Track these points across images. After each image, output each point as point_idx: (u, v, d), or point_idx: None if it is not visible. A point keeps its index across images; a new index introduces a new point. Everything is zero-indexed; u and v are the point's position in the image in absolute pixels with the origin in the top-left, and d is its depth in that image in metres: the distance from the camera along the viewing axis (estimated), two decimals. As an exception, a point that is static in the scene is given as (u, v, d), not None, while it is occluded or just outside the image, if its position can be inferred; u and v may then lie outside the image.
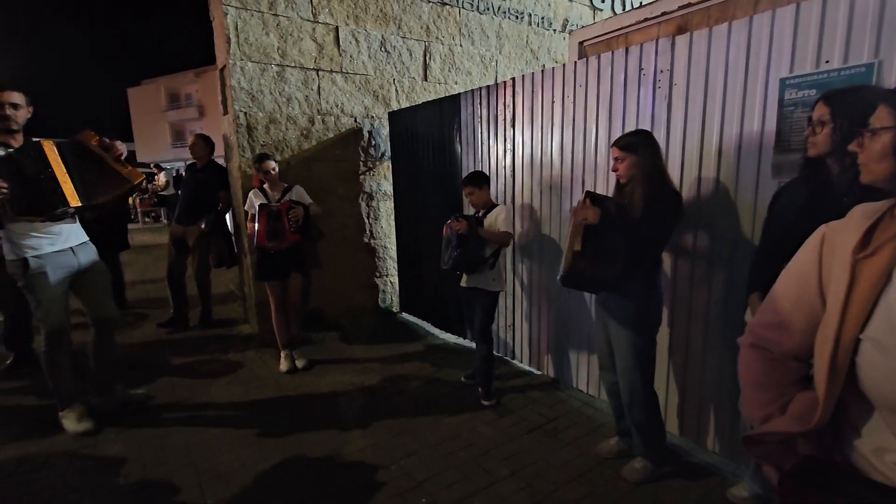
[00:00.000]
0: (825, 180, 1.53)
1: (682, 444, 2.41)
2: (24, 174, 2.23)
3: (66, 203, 2.31)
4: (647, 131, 2.07)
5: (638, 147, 1.97)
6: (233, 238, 4.49)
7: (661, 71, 2.29)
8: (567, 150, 2.81)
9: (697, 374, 2.31)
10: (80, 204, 2.35)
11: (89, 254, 2.64)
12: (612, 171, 2.07)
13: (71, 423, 2.60)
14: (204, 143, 4.27)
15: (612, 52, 2.50)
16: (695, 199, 2.22)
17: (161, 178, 11.38)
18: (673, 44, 2.24)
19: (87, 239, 2.66)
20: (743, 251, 2.06)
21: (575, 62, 2.69)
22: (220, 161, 4.42)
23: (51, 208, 2.31)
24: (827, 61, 1.79)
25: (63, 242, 2.48)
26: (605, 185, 2.60)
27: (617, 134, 2.50)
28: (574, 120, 2.74)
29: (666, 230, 2.00)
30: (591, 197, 2.03)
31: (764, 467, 0.77)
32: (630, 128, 2.43)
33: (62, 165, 2.32)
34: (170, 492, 2.16)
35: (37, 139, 2.39)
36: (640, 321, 2.07)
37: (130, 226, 12.44)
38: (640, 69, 2.37)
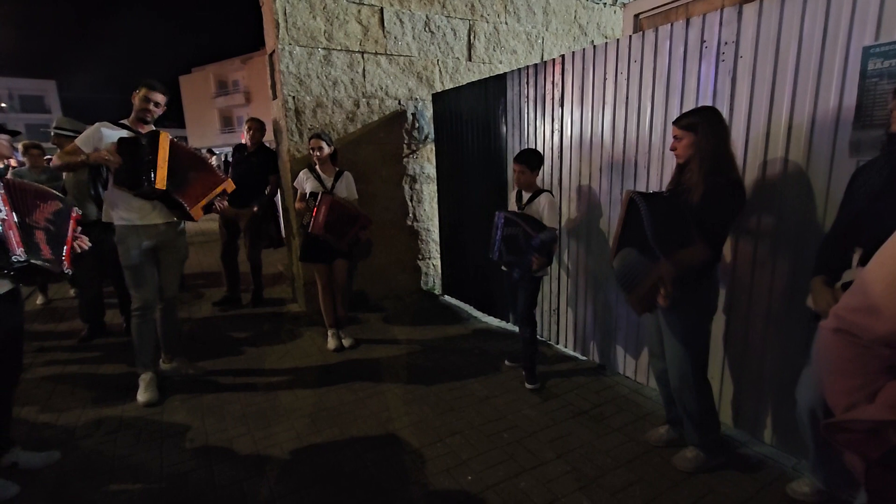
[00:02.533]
0: None
1: (738, 435, 2.34)
2: (136, 153, 2.55)
3: (152, 182, 2.54)
4: (711, 109, 1.95)
5: (698, 126, 1.87)
6: (280, 220, 4.64)
7: (726, 43, 2.16)
8: (619, 130, 2.72)
9: (756, 363, 2.22)
10: (163, 188, 2.57)
11: (172, 233, 2.86)
12: (671, 149, 1.99)
13: (140, 391, 2.82)
14: (261, 127, 4.41)
15: (672, 25, 2.38)
16: (759, 180, 2.10)
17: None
18: (740, 13, 2.10)
19: (176, 219, 2.86)
20: (812, 235, 1.94)
21: (630, 36, 2.58)
22: (268, 145, 4.56)
23: (143, 185, 2.56)
24: (920, 26, 1.63)
25: (148, 218, 2.73)
26: (660, 167, 2.51)
27: (674, 112, 2.40)
28: (628, 98, 2.64)
29: (723, 223, 1.89)
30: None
31: (846, 456, 0.73)
32: (689, 105, 2.32)
33: (166, 154, 2.59)
34: (231, 457, 2.31)
35: (157, 129, 2.71)
36: (692, 309, 1.99)
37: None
38: (703, 42, 2.24)
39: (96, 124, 2.65)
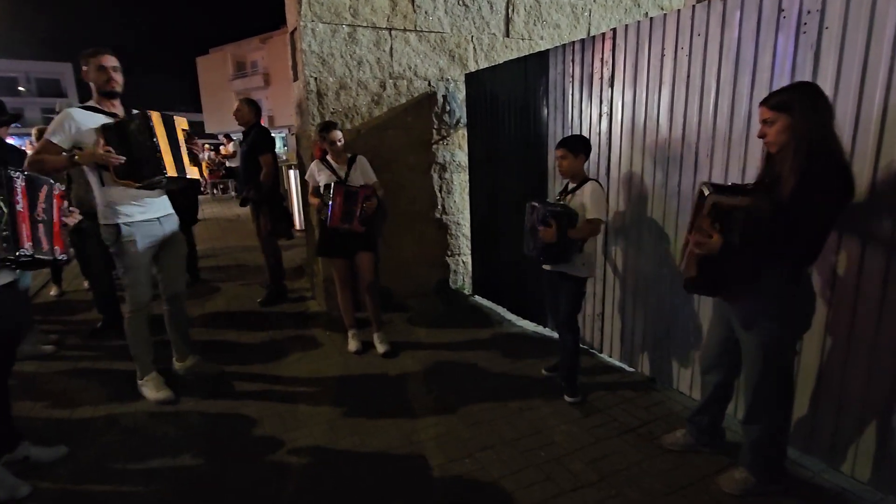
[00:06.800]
0: None
1: (810, 463, 2.22)
2: (130, 141, 2.51)
3: (164, 172, 2.56)
4: (809, 84, 1.81)
5: (793, 105, 1.72)
6: (284, 204, 4.67)
7: (809, 12, 2.03)
8: (678, 113, 2.61)
9: (836, 382, 2.09)
10: (175, 174, 2.60)
11: (173, 225, 2.90)
12: (759, 136, 1.86)
13: (150, 391, 2.89)
14: (249, 108, 4.37)
15: (743, -8, 2.26)
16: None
17: (230, 147, 12.27)
18: (826, -23, 1.97)
19: (172, 211, 2.91)
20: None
21: (693, 6, 2.47)
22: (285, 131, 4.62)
23: (150, 175, 2.56)
24: None
25: (153, 212, 2.75)
26: (725, 155, 2.39)
27: (743, 92, 2.29)
28: (689, 76, 2.53)
29: (826, 217, 1.72)
30: (716, 210, 1.79)
31: None
32: (762, 84, 2.21)
33: (165, 136, 2.59)
34: (245, 462, 2.35)
35: (139, 110, 2.64)
36: (776, 323, 1.87)
37: (200, 197, 13.60)
38: (780, 11, 2.12)
39: (64, 110, 2.49)
